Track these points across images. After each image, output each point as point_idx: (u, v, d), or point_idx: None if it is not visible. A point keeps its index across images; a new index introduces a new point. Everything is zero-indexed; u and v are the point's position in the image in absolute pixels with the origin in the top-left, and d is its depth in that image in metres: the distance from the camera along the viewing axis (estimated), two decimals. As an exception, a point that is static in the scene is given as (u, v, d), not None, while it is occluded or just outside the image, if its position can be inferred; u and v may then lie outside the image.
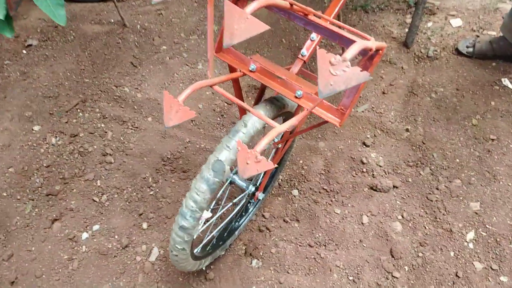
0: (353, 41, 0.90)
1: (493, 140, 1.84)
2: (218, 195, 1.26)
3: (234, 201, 1.45)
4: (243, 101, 1.21)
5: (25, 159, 1.79)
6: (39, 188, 1.70)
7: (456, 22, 2.43)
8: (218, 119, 1.97)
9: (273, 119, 1.12)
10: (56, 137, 1.87)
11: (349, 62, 0.65)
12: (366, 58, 0.90)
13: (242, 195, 1.43)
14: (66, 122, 1.92)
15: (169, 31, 2.37)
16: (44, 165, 1.77)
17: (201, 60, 2.22)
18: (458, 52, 2.22)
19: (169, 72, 2.16)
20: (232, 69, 1.14)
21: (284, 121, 1.48)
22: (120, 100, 2.02)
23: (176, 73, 2.15)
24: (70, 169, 1.76)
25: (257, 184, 1.42)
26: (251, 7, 0.74)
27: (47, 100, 2.01)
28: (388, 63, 2.19)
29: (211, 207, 1.25)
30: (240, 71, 1.08)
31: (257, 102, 1.26)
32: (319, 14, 0.93)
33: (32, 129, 1.89)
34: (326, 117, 1.01)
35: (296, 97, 1.01)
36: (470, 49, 2.17)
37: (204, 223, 1.20)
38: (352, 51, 0.70)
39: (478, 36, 2.26)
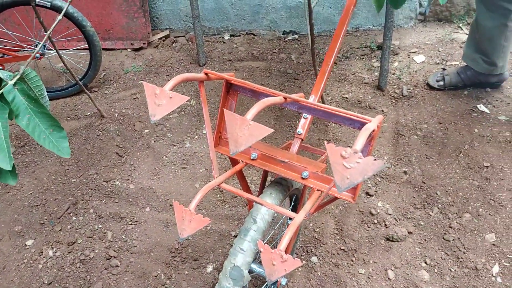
0: (350, 118, 0.94)
1: (487, 167, 1.89)
2: None
3: None
4: (250, 191, 1.19)
5: (24, 279, 1.66)
6: (45, 311, 1.57)
7: (419, 58, 2.56)
8: (218, 195, 1.93)
9: (281, 202, 1.10)
10: (53, 248, 1.76)
11: (360, 153, 0.65)
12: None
13: (265, 285, 1.38)
14: (60, 230, 1.82)
15: (148, 114, 2.35)
16: (46, 282, 1.65)
17: (187, 138, 2.21)
18: (430, 87, 2.32)
19: (158, 156, 2.12)
20: (233, 161, 1.14)
21: (292, 199, 1.44)
22: (112, 195, 1.95)
23: (165, 156, 2.12)
24: (75, 282, 1.65)
25: None
26: (251, 113, 0.75)
27: (36, 210, 1.91)
28: (368, 109, 2.26)
29: None
30: (242, 161, 1.08)
31: (261, 189, 1.24)
32: (309, 102, 0.95)
33: (25, 245, 1.78)
34: (339, 195, 0.99)
35: (302, 178, 1.01)
36: (441, 83, 2.28)
37: None
38: (361, 141, 0.70)
39: (444, 69, 2.38)
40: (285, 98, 0.91)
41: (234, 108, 1.07)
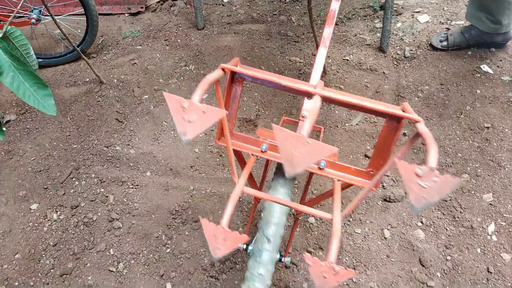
0: (380, 112, 0.82)
1: (488, 128, 1.88)
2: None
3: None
4: (255, 184, 1.08)
5: (30, 241, 1.71)
6: (52, 270, 1.63)
7: (423, 18, 2.49)
8: (218, 159, 1.94)
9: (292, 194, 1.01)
10: (57, 211, 1.81)
11: (437, 170, 0.61)
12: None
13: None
14: (64, 194, 1.86)
15: (147, 79, 2.35)
16: (51, 244, 1.70)
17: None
18: (433, 48, 2.27)
19: (157, 122, 2.13)
20: (239, 156, 1.04)
21: None
22: (113, 160, 1.98)
23: (164, 121, 2.13)
24: (79, 243, 1.70)
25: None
26: (305, 129, 0.65)
27: (39, 175, 1.94)
28: (369, 71, 2.22)
29: None
30: (252, 155, 0.98)
31: (264, 180, 1.18)
32: (325, 94, 0.82)
33: (30, 209, 1.82)
34: (360, 183, 0.94)
35: (320, 168, 0.94)
36: (444, 43, 2.23)
37: None
38: (435, 156, 0.64)
39: (448, 29, 2.32)
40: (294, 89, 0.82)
41: (238, 96, 0.99)
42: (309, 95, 0.82)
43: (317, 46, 2.25)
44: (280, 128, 0.62)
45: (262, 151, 0.97)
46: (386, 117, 0.86)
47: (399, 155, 0.79)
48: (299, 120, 1.18)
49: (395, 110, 0.81)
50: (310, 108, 0.72)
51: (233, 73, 0.95)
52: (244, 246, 1.19)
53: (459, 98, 2.02)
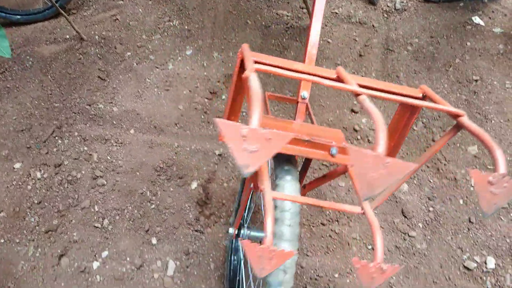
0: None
1: (476, 80, 1.85)
2: None
3: None
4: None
5: (14, 200, 1.71)
6: (37, 227, 1.63)
7: (415, -32, 2.40)
8: (202, 116, 1.91)
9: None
10: (41, 170, 1.79)
11: (508, 175, 0.61)
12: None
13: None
14: (47, 153, 1.84)
15: (130, 36, 2.27)
16: (36, 201, 1.70)
17: (170, 60, 2.14)
18: (425, 0, 2.20)
19: (140, 79, 2.08)
20: None
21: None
22: (96, 118, 1.94)
23: (147, 78, 2.08)
24: (64, 200, 1.69)
25: None
26: (381, 146, 0.60)
27: (21, 134, 1.91)
28: (358, 24, 2.16)
29: None
30: None
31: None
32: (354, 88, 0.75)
33: (13, 168, 1.80)
34: None
35: (332, 155, 0.85)
36: (436, -6, 2.16)
37: None
38: (504, 162, 0.64)
39: (440, -21, 2.24)
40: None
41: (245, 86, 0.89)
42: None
43: (307, 10, 2.17)
44: (356, 149, 0.56)
45: None
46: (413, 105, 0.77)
47: (436, 148, 0.76)
48: (297, 101, 1.09)
49: (432, 103, 0.74)
50: (375, 117, 0.63)
51: (242, 61, 0.82)
52: (236, 231, 1.17)
53: (449, 51, 1.98)
